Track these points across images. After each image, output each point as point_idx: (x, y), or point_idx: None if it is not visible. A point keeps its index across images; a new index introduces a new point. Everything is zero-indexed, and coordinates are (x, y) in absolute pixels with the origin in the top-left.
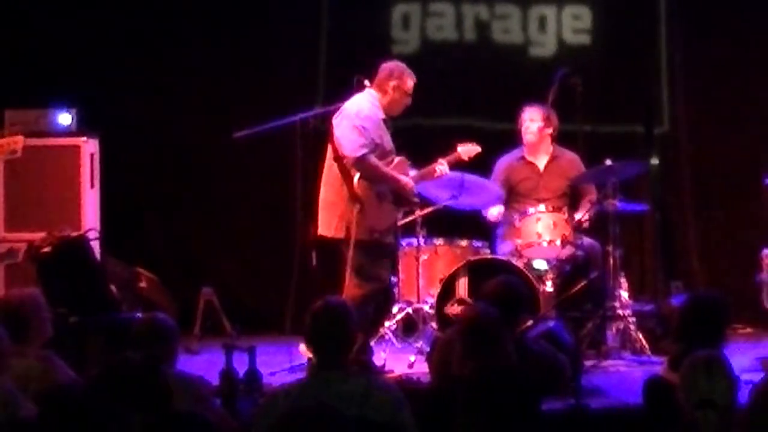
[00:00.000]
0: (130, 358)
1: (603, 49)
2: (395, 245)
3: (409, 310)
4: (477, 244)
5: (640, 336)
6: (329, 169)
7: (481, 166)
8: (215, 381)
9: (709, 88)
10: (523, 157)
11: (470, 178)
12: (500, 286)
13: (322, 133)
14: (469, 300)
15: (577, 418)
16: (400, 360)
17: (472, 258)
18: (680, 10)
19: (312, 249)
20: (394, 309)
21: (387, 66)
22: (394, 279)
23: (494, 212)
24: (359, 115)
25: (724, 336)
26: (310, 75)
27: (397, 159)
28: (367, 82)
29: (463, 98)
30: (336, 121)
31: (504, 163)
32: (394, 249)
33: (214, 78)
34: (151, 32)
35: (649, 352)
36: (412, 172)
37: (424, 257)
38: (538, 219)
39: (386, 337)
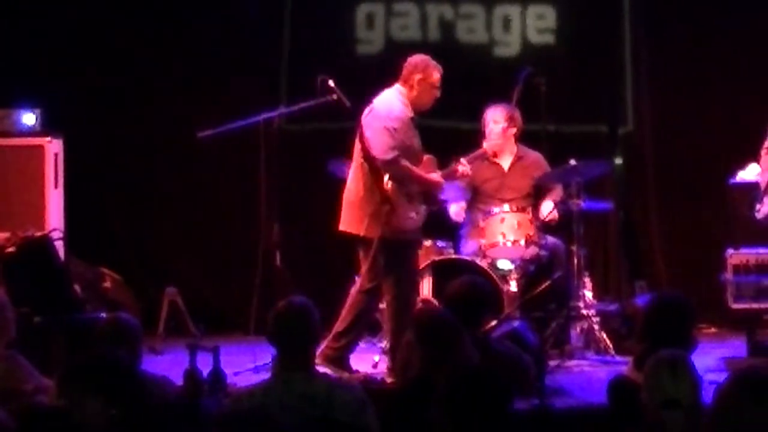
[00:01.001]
0: (105, 353)
1: (567, 49)
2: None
3: None
4: (441, 244)
5: (604, 336)
6: (359, 166)
7: (446, 165)
8: (179, 381)
9: (674, 87)
10: (487, 158)
11: None
12: (464, 286)
13: (286, 133)
14: (433, 300)
15: (542, 418)
16: (364, 360)
17: (436, 258)
18: (644, 10)
19: (276, 249)
20: None
21: (411, 60)
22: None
23: (453, 209)
24: (390, 116)
25: (691, 336)
26: (274, 75)
27: (425, 158)
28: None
29: None
30: (366, 120)
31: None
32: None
33: (177, 78)
34: (115, 33)
35: (613, 352)
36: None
37: None
38: (503, 219)
39: None
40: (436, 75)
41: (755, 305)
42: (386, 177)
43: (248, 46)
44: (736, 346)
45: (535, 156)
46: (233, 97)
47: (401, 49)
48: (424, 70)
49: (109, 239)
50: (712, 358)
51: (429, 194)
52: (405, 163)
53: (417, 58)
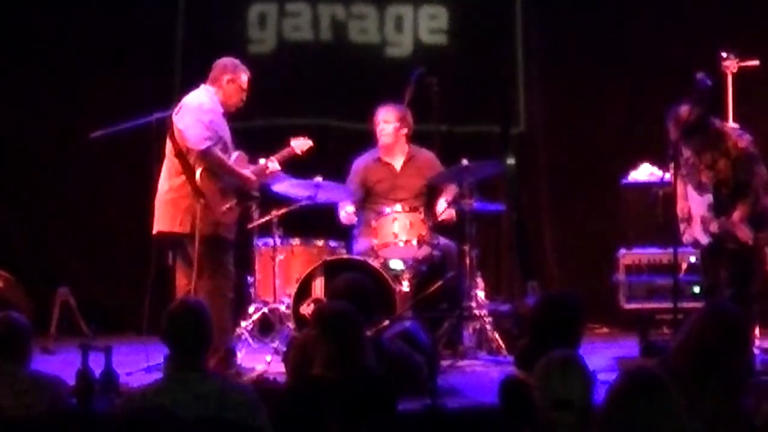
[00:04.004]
0: None
1: (459, 49)
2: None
3: (266, 310)
4: (333, 244)
5: (497, 336)
6: (171, 164)
7: (337, 166)
8: (71, 381)
9: (566, 88)
10: (379, 158)
11: (325, 182)
12: (347, 284)
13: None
14: (324, 300)
15: (434, 418)
16: (256, 360)
17: (328, 258)
18: (536, 11)
19: (169, 248)
20: (251, 309)
21: (221, 61)
22: (250, 279)
23: (343, 215)
24: (202, 108)
25: (579, 336)
26: (167, 74)
27: (236, 154)
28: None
29: (320, 98)
30: (177, 116)
31: (360, 163)
32: (232, 244)
33: (70, 77)
34: (5, 31)
35: (505, 352)
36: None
37: (280, 257)
38: (395, 219)
39: (242, 337)
40: (244, 77)
41: (647, 305)
42: (198, 172)
43: (142, 46)
44: (629, 346)
45: (427, 156)
46: (126, 96)
47: (293, 49)
48: (234, 71)
49: (1, 239)
50: (605, 358)
51: (242, 189)
52: (219, 153)
53: (226, 60)
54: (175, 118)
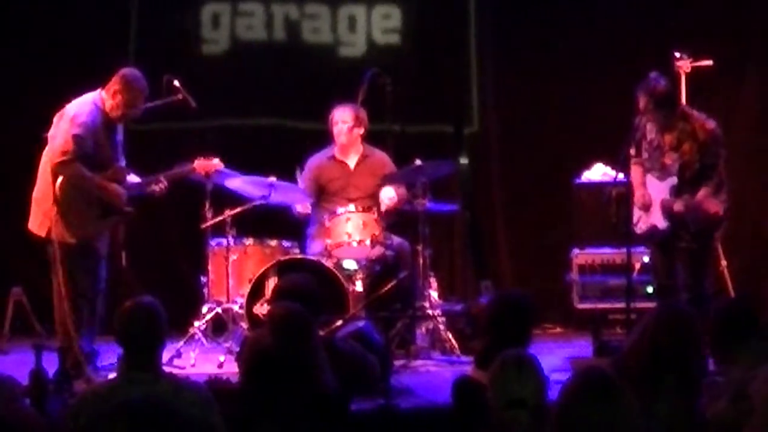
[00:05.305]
0: None
1: (413, 49)
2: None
3: (219, 310)
4: (287, 244)
5: (450, 336)
6: (44, 164)
7: (291, 165)
8: (25, 381)
9: (519, 88)
10: (333, 157)
11: (279, 182)
12: (292, 284)
13: (132, 133)
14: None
15: (387, 418)
16: (209, 360)
17: (281, 258)
18: (490, 11)
19: (122, 249)
20: (204, 309)
21: (121, 71)
22: (203, 279)
23: (299, 207)
24: (75, 121)
25: (530, 334)
26: None
27: (116, 166)
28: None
29: (273, 98)
30: (55, 119)
31: (315, 161)
32: (100, 257)
33: (21, 76)
34: None
35: (458, 352)
36: (136, 179)
37: (233, 257)
38: (348, 219)
39: (196, 337)
40: (131, 95)
41: (600, 305)
42: (59, 179)
43: (94, 47)
44: (582, 346)
45: (380, 155)
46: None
47: (247, 49)
48: (124, 85)
49: None
50: (558, 358)
51: (112, 203)
52: (76, 168)
53: (126, 71)
54: (55, 119)
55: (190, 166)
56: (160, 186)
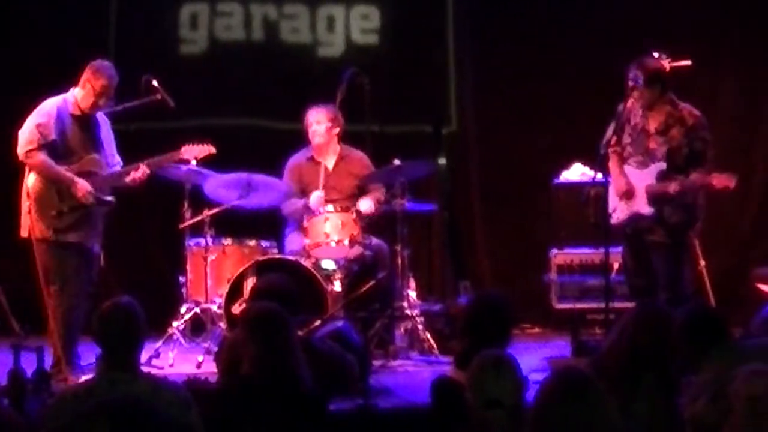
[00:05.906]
0: None
1: (391, 49)
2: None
3: (197, 310)
4: (265, 243)
5: (428, 336)
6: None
7: (270, 166)
8: (3, 381)
9: (497, 88)
10: (311, 157)
11: (257, 177)
12: (269, 284)
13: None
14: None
15: (365, 418)
16: (188, 360)
17: (260, 258)
18: (468, 11)
19: (100, 249)
20: (182, 309)
21: (91, 63)
22: (182, 279)
23: (314, 198)
24: (39, 112)
25: (509, 335)
26: None
27: (89, 157)
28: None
29: (252, 98)
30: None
31: (293, 162)
32: (85, 250)
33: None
34: None
35: (437, 352)
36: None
37: (212, 257)
38: (327, 219)
39: (174, 337)
40: (99, 82)
41: (579, 305)
42: (29, 174)
43: (73, 46)
44: (560, 346)
45: (358, 156)
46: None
47: (225, 49)
48: (93, 74)
49: None
50: (536, 358)
51: (75, 195)
52: (41, 159)
53: (95, 62)
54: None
55: (176, 153)
56: (140, 174)
